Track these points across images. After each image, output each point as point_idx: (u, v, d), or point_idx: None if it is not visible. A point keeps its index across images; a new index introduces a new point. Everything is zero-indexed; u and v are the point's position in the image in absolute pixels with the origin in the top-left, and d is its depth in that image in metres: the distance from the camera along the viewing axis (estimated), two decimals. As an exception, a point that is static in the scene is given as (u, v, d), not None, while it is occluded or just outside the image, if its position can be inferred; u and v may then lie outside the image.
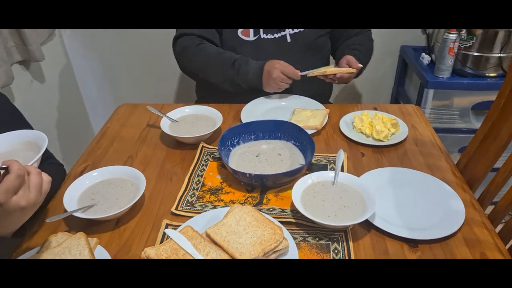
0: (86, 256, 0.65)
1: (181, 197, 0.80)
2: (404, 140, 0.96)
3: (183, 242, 0.63)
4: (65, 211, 0.72)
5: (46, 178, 0.59)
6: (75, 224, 0.73)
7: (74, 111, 1.85)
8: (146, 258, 0.61)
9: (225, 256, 0.61)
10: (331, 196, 0.75)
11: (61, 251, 0.66)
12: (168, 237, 0.71)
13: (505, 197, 0.81)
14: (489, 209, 0.84)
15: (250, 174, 0.78)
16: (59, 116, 1.67)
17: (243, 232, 0.65)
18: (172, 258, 0.60)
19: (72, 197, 0.76)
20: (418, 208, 0.77)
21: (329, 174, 0.79)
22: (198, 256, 0.61)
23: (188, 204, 0.79)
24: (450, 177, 0.85)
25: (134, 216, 0.76)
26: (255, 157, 0.89)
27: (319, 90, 0.99)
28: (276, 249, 0.64)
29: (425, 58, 1.52)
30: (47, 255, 0.65)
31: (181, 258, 0.60)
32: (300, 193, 0.75)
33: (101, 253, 0.67)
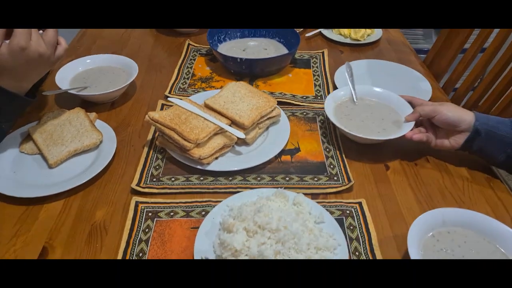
0: (87, 126, 0.66)
1: (173, 84, 0.82)
2: (379, 40, 1.03)
3: (188, 106, 0.67)
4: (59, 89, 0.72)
5: (63, 43, 0.59)
6: (69, 105, 0.74)
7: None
8: (150, 120, 0.64)
9: (224, 121, 0.66)
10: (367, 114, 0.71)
11: (61, 123, 0.67)
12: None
13: (465, 82, 0.92)
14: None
15: (241, 59, 0.81)
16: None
17: (240, 101, 0.70)
18: (175, 120, 0.64)
19: (64, 79, 0.75)
20: (393, 91, 0.85)
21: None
22: (204, 114, 0.65)
23: (181, 90, 0.81)
24: (419, 69, 0.94)
25: (128, 100, 0.78)
26: (242, 51, 0.92)
27: None
28: (271, 115, 0.69)
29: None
30: (47, 126, 0.66)
31: (183, 121, 0.64)
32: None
33: (102, 126, 0.69)
